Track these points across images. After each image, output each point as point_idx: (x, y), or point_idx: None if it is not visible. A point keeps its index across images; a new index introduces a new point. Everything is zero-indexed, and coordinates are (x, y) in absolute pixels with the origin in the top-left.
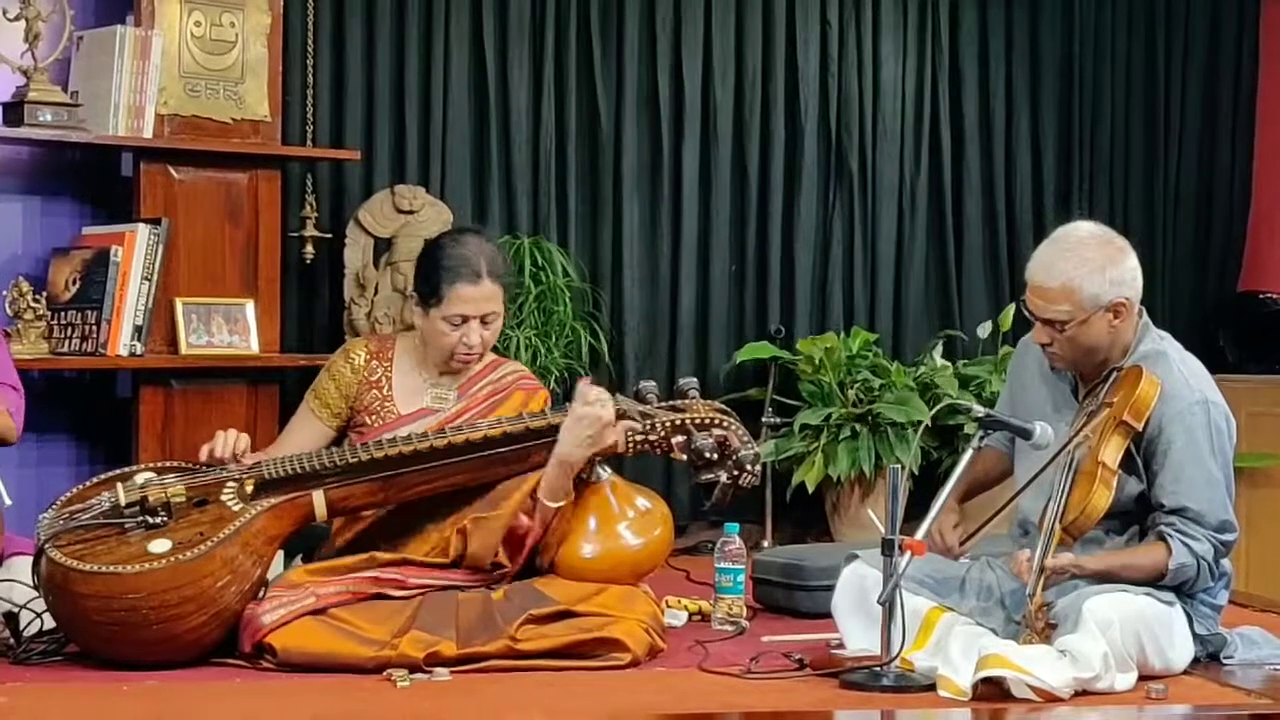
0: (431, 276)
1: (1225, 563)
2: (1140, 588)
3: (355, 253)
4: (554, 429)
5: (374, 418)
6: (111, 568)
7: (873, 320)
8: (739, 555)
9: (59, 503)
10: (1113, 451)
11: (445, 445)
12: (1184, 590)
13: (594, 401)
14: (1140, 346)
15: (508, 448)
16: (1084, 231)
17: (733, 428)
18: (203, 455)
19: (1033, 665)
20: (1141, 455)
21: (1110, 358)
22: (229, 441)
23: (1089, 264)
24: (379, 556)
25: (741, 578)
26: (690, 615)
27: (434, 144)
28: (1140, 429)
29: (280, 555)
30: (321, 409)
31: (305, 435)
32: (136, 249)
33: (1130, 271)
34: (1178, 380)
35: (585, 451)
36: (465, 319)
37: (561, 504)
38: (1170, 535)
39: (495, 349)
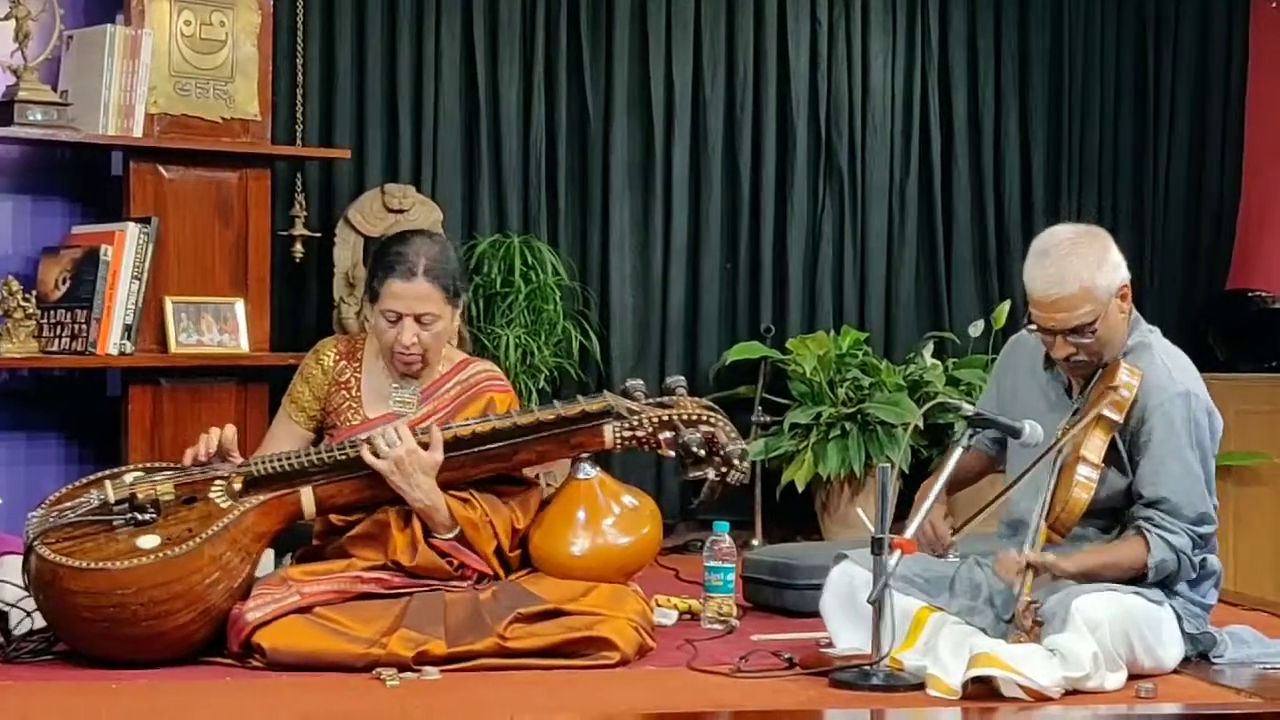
0: (373, 272)
1: (1214, 560)
2: (1129, 587)
3: (345, 252)
4: (542, 426)
5: (342, 419)
6: (100, 564)
7: (863, 319)
8: (729, 554)
9: (48, 501)
10: (1095, 447)
11: None
12: (1165, 584)
13: (382, 451)
14: (1129, 340)
15: (495, 445)
16: (1068, 232)
17: (720, 424)
18: (187, 459)
19: (1022, 664)
20: (1126, 448)
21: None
22: (211, 440)
23: (1091, 258)
24: (358, 563)
25: (731, 576)
26: (680, 614)
27: (424, 143)
28: (1121, 422)
29: (270, 554)
30: (297, 413)
31: (285, 441)
32: (126, 248)
33: (1118, 255)
34: (1160, 372)
35: (424, 486)
36: (399, 316)
37: (455, 533)
38: (1148, 530)
39: (484, 346)
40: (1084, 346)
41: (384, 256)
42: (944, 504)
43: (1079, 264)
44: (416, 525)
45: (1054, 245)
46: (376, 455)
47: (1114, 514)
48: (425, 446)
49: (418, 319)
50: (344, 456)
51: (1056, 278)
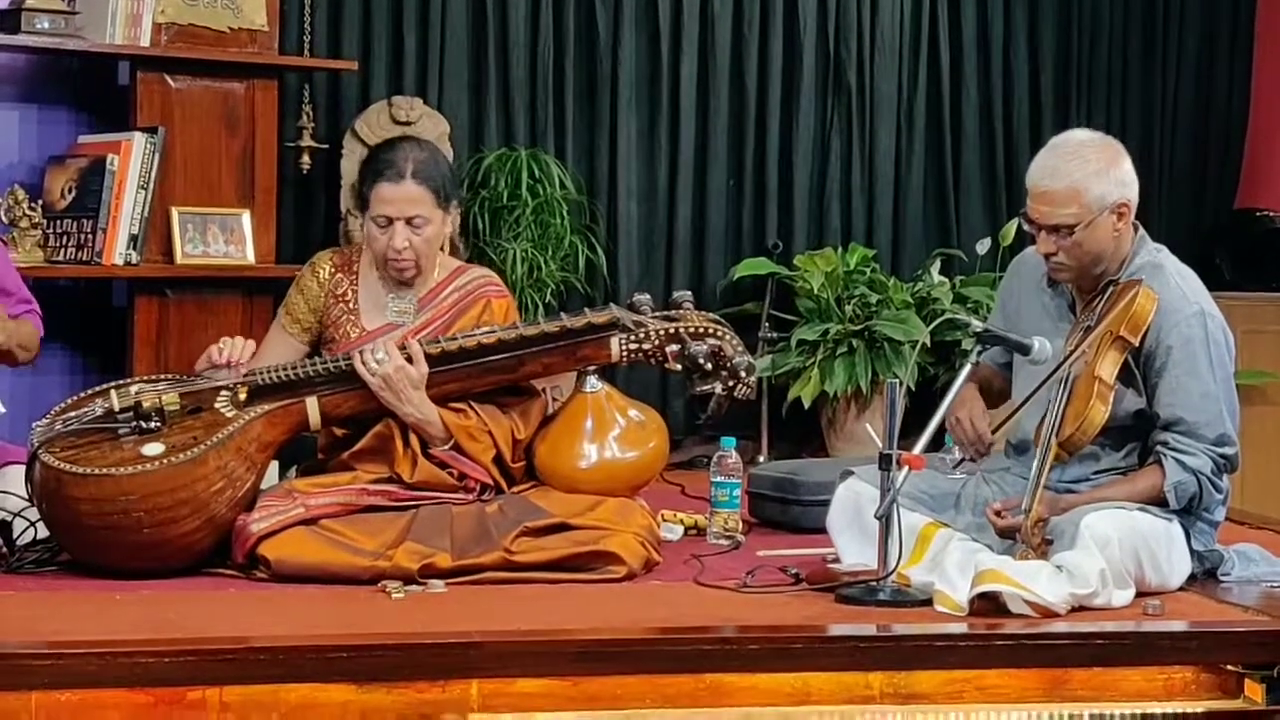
0: (362, 179)
1: (1223, 479)
2: (1137, 503)
3: (351, 163)
4: (547, 338)
5: (340, 332)
6: (104, 470)
7: (870, 236)
8: (735, 470)
9: (53, 411)
10: (1109, 366)
11: (439, 353)
12: (1190, 508)
13: (369, 368)
14: (1136, 259)
15: (500, 356)
16: (1082, 136)
17: (726, 338)
18: (201, 364)
19: (1029, 580)
20: (1140, 369)
21: (1109, 269)
22: (235, 345)
23: (1093, 164)
24: (363, 476)
25: (737, 492)
26: (686, 529)
27: (431, 55)
28: (1137, 344)
29: (275, 467)
30: (292, 324)
31: (279, 353)
32: (133, 158)
33: (1129, 173)
34: (1175, 293)
35: (415, 400)
36: (390, 220)
37: (450, 444)
38: (1164, 454)
39: (490, 259)
40: (1064, 248)
41: (372, 163)
42: (979, 400)
43: (1077, 165)
44: (415, 440)
45: (1063, 141)
46: (370, 373)
47: (1123, 432)
48: (410, 361)
49: (409, 222)
50: (349, 367)
51: (1050, 170)
